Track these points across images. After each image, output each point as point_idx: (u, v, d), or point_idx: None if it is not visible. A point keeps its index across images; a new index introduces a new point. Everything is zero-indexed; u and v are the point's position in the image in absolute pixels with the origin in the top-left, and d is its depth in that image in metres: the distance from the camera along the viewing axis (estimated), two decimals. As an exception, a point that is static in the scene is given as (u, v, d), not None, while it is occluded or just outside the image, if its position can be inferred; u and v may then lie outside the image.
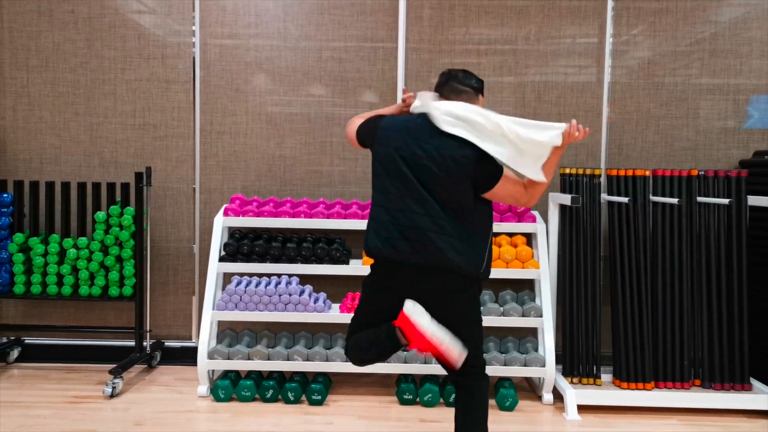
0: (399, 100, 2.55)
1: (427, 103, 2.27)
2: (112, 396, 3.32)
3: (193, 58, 3.83)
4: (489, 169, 2.22)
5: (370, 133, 2.34)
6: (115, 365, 3.40)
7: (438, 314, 2.23)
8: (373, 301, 2.38)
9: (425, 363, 3.34)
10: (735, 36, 3.78)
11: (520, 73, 3.84)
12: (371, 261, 2.36)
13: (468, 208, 2.22)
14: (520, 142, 2.16)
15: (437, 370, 3.28)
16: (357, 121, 2.46)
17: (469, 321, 2.31)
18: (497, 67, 3.83)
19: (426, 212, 2.19)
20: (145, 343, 3.70)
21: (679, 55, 3.80)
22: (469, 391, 2.31)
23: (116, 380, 3.34)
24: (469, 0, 3.81)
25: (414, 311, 2.17)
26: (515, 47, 3.83)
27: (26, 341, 3.91)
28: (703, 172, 3.43)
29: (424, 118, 2.26)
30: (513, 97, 3.84)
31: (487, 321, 3.41)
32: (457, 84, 2.32)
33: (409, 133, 2.24)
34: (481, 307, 3.50)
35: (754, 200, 3.36)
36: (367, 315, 2.39)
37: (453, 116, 2.20)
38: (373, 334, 2.32)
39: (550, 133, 2.18)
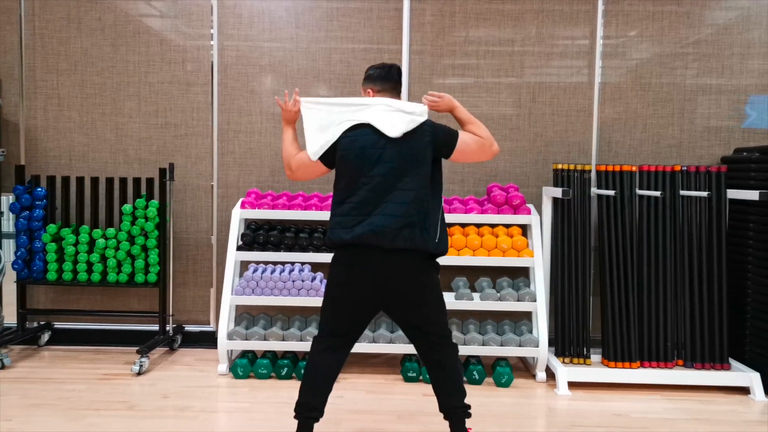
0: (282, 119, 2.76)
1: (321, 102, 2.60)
2: (139, 373, 3.61)
3: (212, 62, 4.12)
4: (443, 130, 2.53)
5: (331, 154, 2.55)
6: (140, 347, 3.68)
7: (406, 299, 2.48)
8: (342, 294, 2.50)
9: (428, 344, 3.61)
10: (717, 40, 4.05)
11: (516, 74, 4.11)
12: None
13: (425, 193, 2.46)
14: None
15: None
16: (303, 156, 2.60)
17: (436, 297, 2.53)
18: (495, 69, 4.10)
19: (388, 200, 2.42)
20: (168, 327, 3.98)
21: (666, 58, 4.07)
22: (441, 365, 2.55)
23: (143, 359, 3.63)
24: (469, 6, 4.08)
25: None
26: (512, 50, 4.10)
27: (56, 326, 4.20)
28: (685, 168, 3.69)
29: (368, 127, 2.50)
30: (510, 98, 4.11)
31: (485, 305, 3.69)
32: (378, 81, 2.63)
33: (364, 142, 2.48)
34: (480, 293, 3.79)
35: (733, 193, 3.63)
36: (335, 308, 2.52)
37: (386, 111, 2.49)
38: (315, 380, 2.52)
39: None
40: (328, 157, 2.57)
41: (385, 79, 2.64)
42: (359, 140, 2.49)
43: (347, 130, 2.53)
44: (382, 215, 2.42)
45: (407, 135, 2.47)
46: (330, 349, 2.54)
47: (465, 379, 3.34)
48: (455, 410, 2.56)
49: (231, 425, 2.97)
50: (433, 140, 2.50)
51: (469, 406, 2.58)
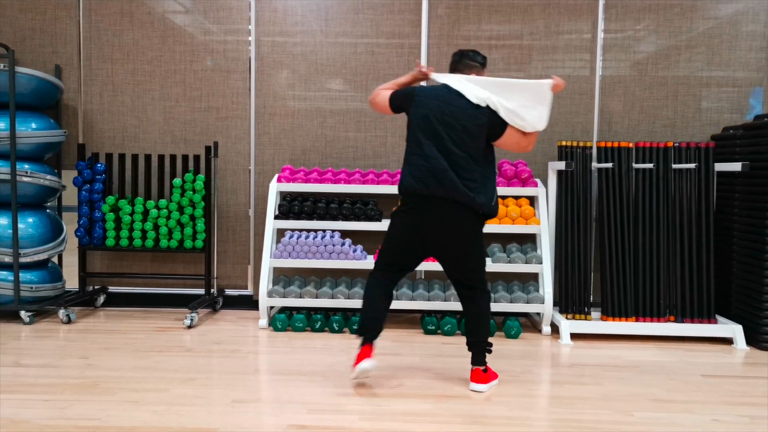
0: (417, 71, 3.19)
1: (441, 76, 3.02)
2: (190, 327, 4.08)
3: (249, 52, 4.57)
4: (497, 123, 2.96)
5: (407, 99, 3.02)
6: (191, 304, 4.15)
7: (454, 244, 2.94)
8: (402, 231, 3.00)
9: (445, 301, 4.06)
10: (708, 32, 4.45)
11: (524, 63, 4.54)
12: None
13: (481, 156, 2.93)
14: (524, 95, 2.94)
15: (456, 306, 4.01)
16: (384, 93, 3.10)
17: (479, 249, 3.01)
18: (505, 58, 4.54)
19: (450, 159, 2.89)
20: (212, 289, 4.46)
21: (661, 47, 4.48)
22: (475, 302, 3.03)
23: (193, 314, 4.10)
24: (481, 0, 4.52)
25: None
26: (521, 42, 4.53)
27: (110, 290, 4.68)
28: (677, 144, 4.10)
29: (449, 89, 2.97)
30: (519, 83, 4.53)
31: (496, 267, 4.13)
32: (468, 60, 3.06)
33: (439, 99, 2.95)
34: (491, 257, 4.22)
35: (719, 166, 4.04)
36: (393, 245, 3.02)
37: (471, 83, 2.95)
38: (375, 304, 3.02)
39: (541, 85, 2.97)
40: (397, 101, 3.06)
41: (484, 63, 3.12)
42: (433, 102, 2.94)
43: (422, 90, 2.99)
44: (449, 171, 2.86)
45: (472, 112, 2.91)
46: (385, 280, 3.05)
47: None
48: (479, 343, 3.01)
49: (277, 363, 3.43)
50: (488, 124, 2.95)
51: (491, 344, 3.04)
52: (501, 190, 4.25)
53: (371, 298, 3.05)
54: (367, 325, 3.01)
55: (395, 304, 4.08)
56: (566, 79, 4.51)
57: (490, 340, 3.05)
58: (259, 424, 2.57)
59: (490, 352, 3.04)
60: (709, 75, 4.48)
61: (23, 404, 2.73)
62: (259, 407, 2.75)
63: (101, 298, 4.63)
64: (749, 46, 4.45)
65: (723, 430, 2.59)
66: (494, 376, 3.09)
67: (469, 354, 3.06)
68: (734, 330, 3.89)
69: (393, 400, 2.86)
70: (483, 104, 2.93)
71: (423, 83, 3.23)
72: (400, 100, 3.06)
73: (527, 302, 4.06)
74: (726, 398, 2.98)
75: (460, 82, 2.97)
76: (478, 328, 3.03)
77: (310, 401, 2.83)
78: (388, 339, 3.90)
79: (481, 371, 3.01)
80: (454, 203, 2.89)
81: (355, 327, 4.02)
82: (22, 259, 4.13)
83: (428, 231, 2.96)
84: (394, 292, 4.10)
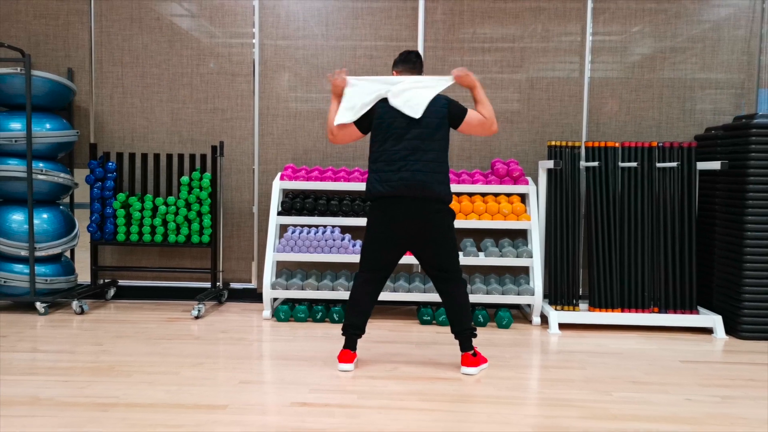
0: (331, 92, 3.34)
1: (363, 84, 3.23)
2: (197, 317, 4.29)
3: (253, 56, 4.79)
4: (457, 106, 3.19)
5: (367, 120, 3.21)
6: (198, 295, 4.36)
7: (426, 237, 3.14)
8: (379, 232, 3.17)
9: (440, 293, 4.27)
10: (693, 37, 4.66)
11: (517, 66, 4.75)
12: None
13: (443, 154, 3.14)
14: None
15: (449, 297, 4.22)
16: (348, 128, 3.22)
17: (451, 239, 3.20)
18: (498, 62, 4.74)
19: (416, 158, 3.09)
20: (218, 282, 4.67)
21: (648, 51, 4.69)
22: (453, 296, 3.23)
23: (200, 305, 4.31)
24: (475, 5, 4.73)
25: None
26: (513, 45, 4.74)
27: (120, 283, 4.89)
28: (661, 144, 4.31)
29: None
30: (511, 87, 4.75)
31: (489, 261, 4.34)
32: (410, 63, 3.30)
33: (395, 113, 3.14)
34: (483, 252, 4.43)
35: (701, 165, 4.25)
36: (373, 245, 3.20)
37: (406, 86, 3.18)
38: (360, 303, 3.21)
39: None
40: (363, 123, 3.23)
41: (404, 61, 3.31)
42: (391, 111, 3.15)
43: (381, 102, 3.19)
44: (410, 171, 3.08)
45: (430, 109, 3.13)
46: (369, 281, 3.22)
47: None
48: (463, 331, 3.22)
49: (280, 350, 3.63)
50: (448, 113, 3.16)
51: (474, 328, 3.24)
52: (494, 188, 4.46)
53: (355, 299, 3.23)
54: (350, 331, 3.21)
55: (393, 297, 4.29)
56: (556, 81, 4.72)
57: (481, 329, 3.26)
58: (264, 401, 2.77)
59: (475, 335, 3.25)
60: (693, 78, 4.69)
61: (45, 384, 2.94)
62: (264, 387, 2.96)
63: (111, 291, 4.84)
64: (731, 50, 4.66)
65: (694, 408, 2.80)
66: (484, 360, 3.30)
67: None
68: (714, 320, 4.10)
69: (389, 382, 3.06)
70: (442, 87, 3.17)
71: (352, 87, 3.29)
72: (364, 125, 3.24)
73: (518, 294, 4.27)
74: (701, 381, 3.18)
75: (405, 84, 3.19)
76: (461, 318, 3.23)
77: (312, 382, 3.04)
78: (385, 329, 4.11)
79: (471, 356, 3.21)
80: (420, 200, 3.09)
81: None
82: (38, 253, 4.34)
83: (397, 229, 3.15)
84: (392, 285, 4.30)
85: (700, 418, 2.68)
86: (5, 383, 2.95)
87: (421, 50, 4.72)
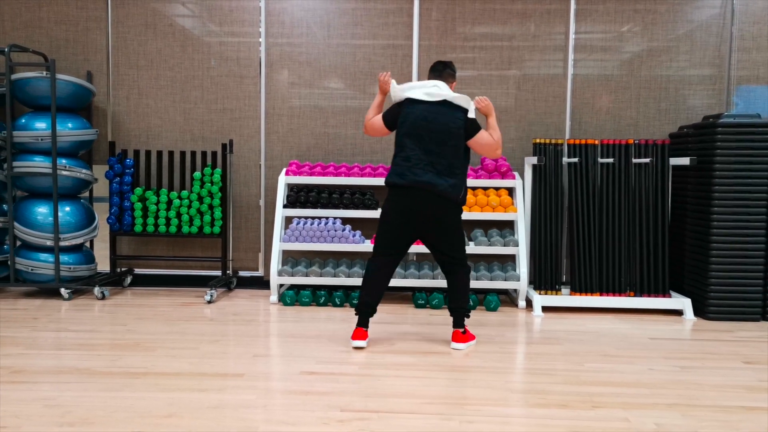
0: (378, 89, 3.75)
1: (401, 87, 3.60)
2: (210, 302, 4.66)
3: (260, 59, 5.14)
4: (472, 124, 3.55)
5: (394, 118, 3.59)
6: (210, 282, 4.72)
7: (434, 226, 3.51)
8: (392, 220, 3.54)
9: (433, 279, 4.64)
10: (667, 38, 5.02)
11: (504, 67, 5.11)
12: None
13: (457, 160, 3.49)
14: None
15: (442, 284, 4.59)
16: (376, 119, 3.67)
17: (459, 231, 3.58)
18: (488, 62, 5.10)
19: (429, 159, 3.46)
20: (228, 271, 5.03)
21: (625, 53, 5.05)
22: (456, 276, 3.61)
23: (212, 291, 4.67)
24: (467, 8, 5.08)
25: None
26: (501, 45, 5.10)
27: (136, 271, 5.25)
28: (637, 141, 4.67)
29: (422, 104, 3.53)
30: (499, 87, 5.11)
31: (478, 250, 4.71)
32: (450, 70, 3.68)
33: (422, 111, 3.51)
34: (473, 242, 4.80)
35: (673, 161, 4.62)
36: (387, 231, 3.56)
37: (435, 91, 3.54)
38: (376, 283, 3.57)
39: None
40: (390, 121, 3.62)
41: (432, 70, 3.71)
42: (414, 113, 3.51)
43: (408, 103, 3.56)
44: (421, 170, 3.44)
45: (448, 118, 3.48)
46: (383, 264, 3.59)
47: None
48: (458, 309, 3.59)
49: (287, 329, 3.99)
50: (464, 124, 3.53)
51: (469, 310, 3.62)
52: (483, 182, 4.83)
53: (369, 280, 3.58)
54: (363, 308, 3.57)
55: (390, 283, 4.65)
56: (542, 80, 5.08)
57: (471, 312, 3.63)
58: (276, 371, 3.15)
59: (468, 317, 3.62)
60: (668, 77, 5.05)
61: (80, 357, 3.31)
62: (275, 360, 3.33)
63: (128, 279, 5.20)
64: (704, 53, 5.02)
65: (655, 376, 3.18)
66: (472, 337, 3.67)
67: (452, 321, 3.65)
68: (684, 303, 4.48)
69: (387, 355, 3.44)
70: (464, 105, 3.52)
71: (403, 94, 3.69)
72: (391, 120, 3.62)
73: (505, 280, 4.64)
74: (665, 354, 3.56)
75: (440, 88, 3.55)
76: (459, 297, 3.61)
77: (318, 356, 3.41)
78: (383, 312, 4.48)
79: (461, 333, 3.59)
80: (430, 194, 3.45)
81: (354, 302, 4.59)
82: (62, 243, 4.70)
83: (411, 219, 3.51)
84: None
85: (659, 384, 3.06)
86: (45, 356, 3.32)
87: (416, 51, 5.08)
